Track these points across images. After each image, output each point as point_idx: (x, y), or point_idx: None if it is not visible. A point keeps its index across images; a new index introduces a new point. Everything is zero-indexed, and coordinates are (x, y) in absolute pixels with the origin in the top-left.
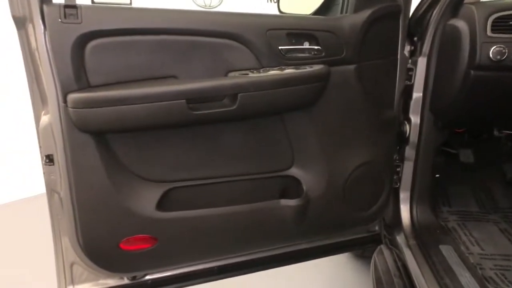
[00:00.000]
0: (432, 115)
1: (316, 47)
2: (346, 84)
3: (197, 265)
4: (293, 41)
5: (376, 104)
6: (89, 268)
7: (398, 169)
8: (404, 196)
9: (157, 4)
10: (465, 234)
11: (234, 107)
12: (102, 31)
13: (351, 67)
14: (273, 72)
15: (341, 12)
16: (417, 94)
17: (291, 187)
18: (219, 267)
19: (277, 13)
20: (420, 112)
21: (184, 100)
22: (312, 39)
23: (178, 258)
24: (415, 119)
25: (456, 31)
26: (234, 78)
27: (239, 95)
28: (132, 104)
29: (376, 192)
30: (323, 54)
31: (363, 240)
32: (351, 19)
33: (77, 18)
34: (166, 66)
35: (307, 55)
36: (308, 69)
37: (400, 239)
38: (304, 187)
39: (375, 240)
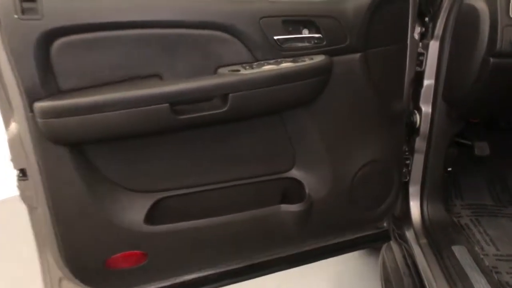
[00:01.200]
0: (445, 105)
1: (316, 35)
2: (350, 75)
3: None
4: (290, 29)
5: (385, 96)
6: (77, 286)
7: (407, 162)
8: (413, 191)
9: None
10: (480, 232)
11: (225, 108)
12: (69, 27)
13: (356, 56)
14: (268, 68)
15: None
16: (428, 82)
17: (293, 190)
18: (219, 273)
19: None
20: (432, 101)
21: (167, 104)
22: (312, 26)
23: (173, 271)
24: (426, 108)
25: (473, 12)
26: (223, 77)
27: (230, 95)
28: (107, 112)
29: (385, 190)
30: (324, 42)
31: (370, 238)
32: (355, 1)
33: (37, 13)
34: (147, 64)
35: (307, 44)
36: (307, 61)
37: (409, 235)
38: (307, 190)
39: (384, 237)
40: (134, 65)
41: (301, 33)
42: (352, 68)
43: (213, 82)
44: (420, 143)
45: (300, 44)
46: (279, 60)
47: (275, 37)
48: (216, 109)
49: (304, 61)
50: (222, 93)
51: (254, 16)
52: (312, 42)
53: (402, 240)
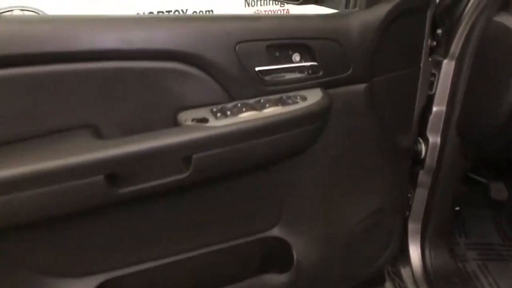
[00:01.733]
0: (458, 139)
1: (310, 64)
2: (352, 111)
3: None
4: (277, 54)
5: (392, 131)
6: None
7: (408, 195)
8: (413, 228)
9: None
10: (489, 284)
11: (187, 173)
12: None
13: (360, 87)
14: (246, 116)
15: (346, 7)
16: (438, 108)
17: (277, 253)
18: None
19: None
20: (442, 132)
21: (101, 177)
22: (305, 51)
23: None
24: (433, 138)
25: (506, 33)
26: (185, 132)
27: (194, 156)
28: (10, 194)
29: (385, 241)
30: (321, 72)
31: (363, 281)
32: (362, 17)
33: None
34: (76, 110)
35: (298, 75)
36: (300, 104)
37: (408, 280)
38: (295, 253)
39: (378, 278)
40: (56, 112)
41: (290, 61)
42: (354, 102)
43: (170, 142)
44: (424, 177)
45: (289, 76)
46: (261, 100)
47: (257, 68)
48: (174, 174)
49: (296, 101)
50: (182, 156)
51: (228, 41)
52: (305, 72)
53: (398, 277)
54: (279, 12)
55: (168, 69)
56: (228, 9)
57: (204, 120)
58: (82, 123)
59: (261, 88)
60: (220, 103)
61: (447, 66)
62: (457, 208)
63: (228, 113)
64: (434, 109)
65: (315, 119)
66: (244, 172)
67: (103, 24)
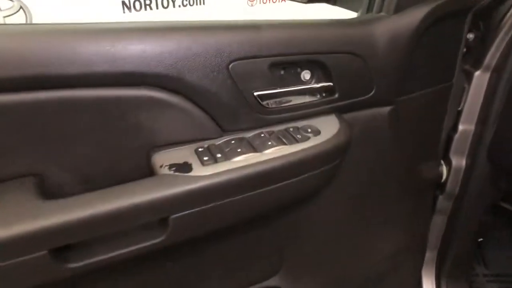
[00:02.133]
0: (489, 165)
1: (323, 85)
2: (371, 139)
3: None
4: (282, 73)
5: (416, 160)
6: None
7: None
8: (428, 258)
9: None
10: None
11: (161, 238)
12: None
13: (384, 110)
14: (242, 160)
15: (369, 11)
16: (465, 126)
17: None
18: None
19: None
20: (468, 154)
21: (45, 252)
22: (317, 68)
23: None
24: (457, 161)
25: None
26: (159, 186)
27: (172, 218)
28: None
29: (403, 282)
30: (337, 95)
31: None
32: (390, 25)
33: None
34: (15, 153)
35: (309, 100)
36: (311, 141)
37: None
38: None
39: None
40: None
41: (299, 81)
42: (375, 129)
43: (139, 201)
44: (443, 203)
45: (297, 101)
46: (262, 134)
47: (256, 93)
48: (145, 240)
49: (306, 136)
50: (156, 218)
51: (218, 59)
52: (318, 95)
53: None
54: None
55: (136, 97)
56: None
57: (186, 167)
58: (22, 172)
59: (261, 118)
60: (208, 139)
61: (480, 79)
62: (480, 240)
63: (218, 155)
64: (461, 127)
65: (330, 160)
66: (237, 226)
67: (43, 38)
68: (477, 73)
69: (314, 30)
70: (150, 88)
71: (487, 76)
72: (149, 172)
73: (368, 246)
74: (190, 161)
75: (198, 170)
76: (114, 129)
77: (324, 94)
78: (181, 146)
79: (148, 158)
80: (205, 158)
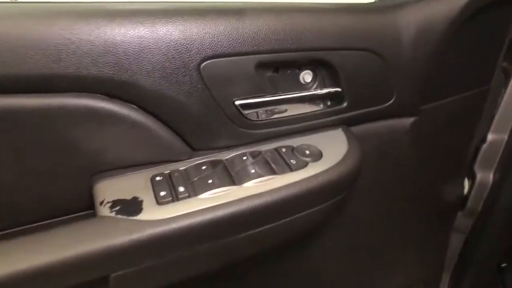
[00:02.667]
0: None
1: (328, 90)
2: (388, 155)
3: None
4: (273, 74)
5: (439, 177)
6: None
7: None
8: (443, 279)
9: None
10: None
11: None
12: None
13: (405, 121)
14: (213, 197)
15: None
16: (496, 136)
17: None
18: None
19: None
20: (497, 168)
21: None
22: (321, 68)
23: None
24: (483, 175)
25: None
26: (96, 235)
27: (112, 276)
28: None
29: None
30: (346, 103)
31: None
32: (420, 12)
33: None
34: None
35: (309, 110)
36: (309, 170)
37: None
38: None
39: None
40: None
41: (296, 84)
42: (394, 144)
43: (70, 255)
44: (463, 220)
45: (293, 111)
46: (244, 157)
47: (237, 102)
48: None
49: (303, 160)
50: (92, 277)
51: (185, 57)
52: (321, 103)
53: None
54: None
55: (72, 108)
56: None
57: (134, 207)
58: None
59: (243, 134)
60: (172, 161)
61: None
62: (504, 265)
63: (181, 189)
64: (490, 137)
65: (334, 194)
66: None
67: None
68: None
69: (318, 18)
70: (90, 96)
71: None
72: (92, 204)
73: (379, 277)
74: (141, 196)
75: (150, 212)
76: (42, 148)
77: (329, 103)
78: (135, 171)
79: (91, 187)
80: (162, 193)
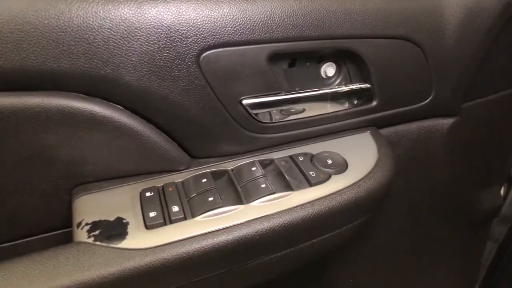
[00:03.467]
0: None
1: (355, 86)
2: (424, 160)
3: None
4: (289, 68)
5: (478, 184)
6: None
7: None
8: None
9: None
10: None
11: None
12: None
13: (444, 122)
14: (212, 221)
15: None
16: None
17: None
18: None
19: None
20: None
21: None
22: (346, 59)
23: None
24: None
25: None
26: (73, 267)
27: None
28: None
29: None
30: (375, 102)
31: None
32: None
33: None
34: None
35: (331, 110)
36: (331, 184)
37: None
38: None
39: None
40: None
41: (317, 80)
42: (430, 148)
43: None
44: (498, 228)
45: (311, 112)
46: (254, 164)
47: (245, 101)
48: None
49: (325, 172)
50: None
51: (180, 47)
52: (346, 102)
53: None
54: None
55: (41, 109)
56: None
57: (118, 230)
58: None
59: (253, 138)
60: (166, 171)
61: None
62: None
63: (175, 209)
64: None
65: (361, 213)
66: None
67: None
68: None
69: (341, 2)
70: (63, 95)
71: None
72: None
73: None
74: (127, 216)
75: (135, 238)
76: (7, 158)
77: (356, 101)
78: (122, 183)
79: (71, 202)
80: (152, 214)
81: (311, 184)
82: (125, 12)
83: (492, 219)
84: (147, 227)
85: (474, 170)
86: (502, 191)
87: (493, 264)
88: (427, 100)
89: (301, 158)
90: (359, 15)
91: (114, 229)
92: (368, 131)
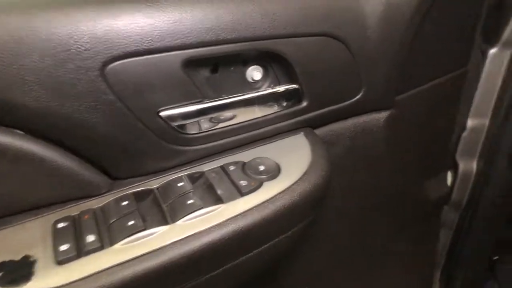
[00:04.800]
0: (510, 167)
1: (283, 88)
2: (363, 156)
3: None
4: (210, 74)
5: (423, 173)
6: None
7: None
8: (434, 277)
9: None
10: None
11: None
12: None
13: (380, 116)
14: (134, 246)
15: None
16: (477, 121)
17: None
18: None
19: None
20: (480, 156)
21: None
22: (271, 61)
23: None
24: (466, 164)
25: None
26: None
27: None
28: None
29: None
30: (305, 102)
31: None
32: None
33: None
34: None
35: (260, 115)
36: (264, 192)
37: None
38: None
39: None
40: None
41: (242, 84)
42: (368, 143)
43: None
44: (448, 215)
45: (239, 118)
46: (181, 179)
47: (163, 112)
48: None
49: (257, 179)
50: None
51: (81, 59)
52: (275, 104)
53: None
54: None
55: None
56: None
57: (24, 270)
58: None
59: (177, 152)
60: (81, 198)
61: (496, 59)
62: (495, 258)
63: (91, 238)
64: (470, 123)
65: (299, 219)
66: None
67: None
68: (492, 51)
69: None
70: None
71: (507, 55)
72: None
73: None
74: (35, 253)
75: (43, 277)
76: None
77: (285, 103)
78: (32, 216)
79: None
80: (63, 248)
81: (242, 194)
82: (13, 26)
83: (442, 207)
84: (59, 262)
85: (417, 161)
86: (449, 178)
87: (450, 251)
88: (358, 96)
89: (232, 167)
90: (277, 15)
91: (19, 270)
92: (302, 133)
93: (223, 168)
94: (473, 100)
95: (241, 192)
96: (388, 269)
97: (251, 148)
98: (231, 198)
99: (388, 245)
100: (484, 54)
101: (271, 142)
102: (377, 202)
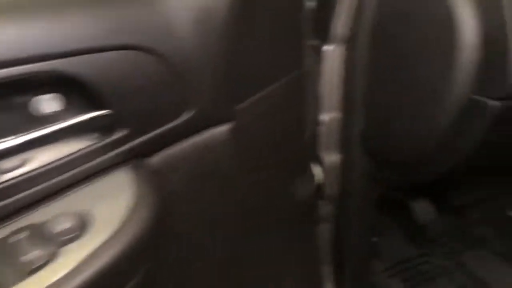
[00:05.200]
0: (365, 155)
1: (90, 116)
2: (215, 174)
3: None
4: None
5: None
6: None
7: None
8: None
9: None
10: None
11: None
12: None
13: (222, 129)
14: None
15: None
16: (328, 116)
17: None
18: None
19: None
20: (340, 146)
21: None
22: (69, 85)
23: None
24: (330, 157)
25: (433, 8)
26: None
27: None
28: None
29: None
30: (125, 130)
31: None
32: None
33: None
34: None
35: (63, 155)
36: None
37: None
38: None
39: None
40: None
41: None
42: (218, 159)
43: None
44: (325, 209)
45: (36, 165)
46: None
47: None
48: None
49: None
50: None
51: None
52: (85, 138)
53: None
54: None
55: None
56: None
57: None
58: None
59: None
60: None
61: (330, 54)
62: (374, 239)
63: None
64: (324, 117)
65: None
66: None
67: None
68: (325, 47)
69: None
70: None
71: (338, 50)
72: None
73: None
74: None
75: None
76: None
77: (97, 134)
78: None
79: None
80: None
81: (27, 276)
82: None
83: (316, 203)
84: None
85: (276, 164)
86: (319, 173)
87: (336, 244)
88: (189, 113)
89: (17, 237)
90: (58, 29)
91: None
92: (125, 168)
93: (5, 240)
94: (322, 95)
95: (26, 273)
96: (275, 275)
97: (54, 202)
98: (17, 282)
99: (269, 252)
100: (317, 52)
101: (78, 190)
102: (242, 216)
